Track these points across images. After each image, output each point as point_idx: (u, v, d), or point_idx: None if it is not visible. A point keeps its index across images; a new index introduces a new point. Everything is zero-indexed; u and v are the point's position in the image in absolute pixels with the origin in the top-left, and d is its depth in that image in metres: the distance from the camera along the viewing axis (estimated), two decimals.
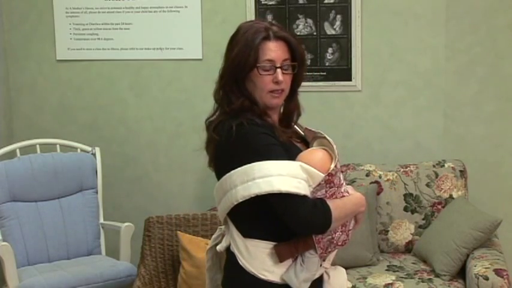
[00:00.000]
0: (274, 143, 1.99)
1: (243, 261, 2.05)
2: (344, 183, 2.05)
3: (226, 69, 2.07)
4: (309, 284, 2.03)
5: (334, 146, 2.04)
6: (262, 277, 2.03)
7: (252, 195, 1.94)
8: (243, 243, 2.06)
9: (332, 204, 1.97)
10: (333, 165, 1.99)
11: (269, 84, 2.03)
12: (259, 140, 1.99)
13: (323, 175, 1.96)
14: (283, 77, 2.03)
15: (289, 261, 2.03)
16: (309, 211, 1.93)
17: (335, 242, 2.02)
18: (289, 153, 2.01)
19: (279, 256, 2.01)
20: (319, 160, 2.00)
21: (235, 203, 1.99)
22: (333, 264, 2.18)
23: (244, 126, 1.99)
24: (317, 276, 2.07)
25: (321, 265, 2.08)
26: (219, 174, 2.05)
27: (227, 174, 2.00)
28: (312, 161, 1.99)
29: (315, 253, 2.01)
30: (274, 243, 2.02)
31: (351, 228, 2.06)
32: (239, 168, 1.97)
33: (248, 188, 1.95)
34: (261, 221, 2.03)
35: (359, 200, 2.07)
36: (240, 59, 2.03)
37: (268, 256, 2.03)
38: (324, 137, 2.09)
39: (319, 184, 1.97)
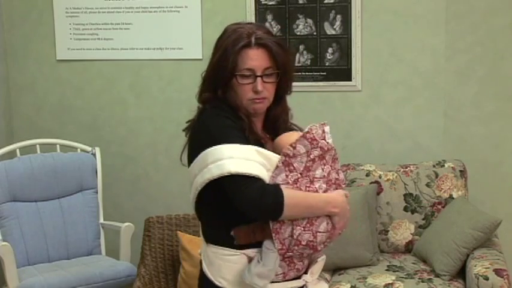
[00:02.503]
0: (232, 126, 1.97)
1: (205, 267, 2.07)
2: (322, 181, 1.97)
3: (207, 75, 2.07)
4: (264, 282, 1.97)
5: (301, 134, 1.98)
6: (218, 284, 2.03)
7: (207, 181, 1.93)
8: (205, 249, 2.07)
9: (289, 191, 1.90)
10: (290, 149, 1.94)
11: (249, 92, 2.00)
12: (216, 122, 1.99)
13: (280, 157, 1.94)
14: (264, 86, 2.00)
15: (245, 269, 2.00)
16: (258, 191, 1.89)
17: (296, 238, 1.93)
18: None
19: (236, 237, 1.99)
20: (292, 140, 1.97)
21: (197, 193, 1.99)
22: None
23: (206, 110, 2.03)
24: (277, 279, 1.99)
25: (301, 270, 2.02)
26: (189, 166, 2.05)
27: (191, 165, 2.00)
28: (285, 141, 1.98)
29: (274, 248, 1.95)
30: (231, 250, 2.00)
31: (320, 230, 1.95)
32: (198, 156, 1.97)
33: (203, 175, 1.95)
34: (218, 227, 2.02)
35: (330, 199, 1.97)
36: (219, 67, 2.01)
37: (223, 263, 2.02)
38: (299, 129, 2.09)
39: (277, 167, 1.93)
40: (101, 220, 3.93)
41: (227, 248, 2.01)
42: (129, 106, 4.28)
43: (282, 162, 1.94)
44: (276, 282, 2.01)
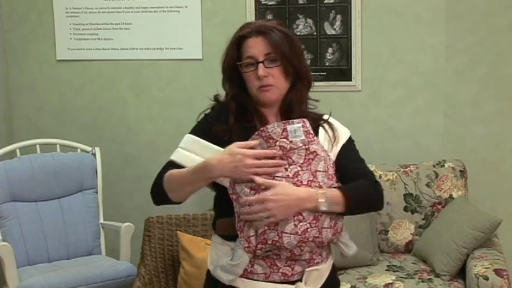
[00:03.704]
0: (204, 126, 2.09)
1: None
2: (285, 181, 1.93)
3: (221, 69, 2.13)
4: (228, 277, 2.00)
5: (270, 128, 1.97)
6: (210, 269, 2.10)
7: None
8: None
9: (170, 172, 2.02)
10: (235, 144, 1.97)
11: (254, 81, 2.03)
12: (200, 118, 2.15)
13: (221, 149, 1.99)
14: (267, 71, 2.00)
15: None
16: (153, 182, 2.07)
17: (260, 236, 1.91)
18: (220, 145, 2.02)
19: (217, 227, 2.08)
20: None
21: None
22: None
23: (210, 107, 2.15)
24: (258, 277, 1.99)
25: (289, 276, 1.98)
26: None
27: None
28: None
29: (241, 245, 1.96)
30: (220, 239, 2.06)
31: (286, 231, 1.91)
32: None
33: None
34: (216, 215, 2.12)
35: (202, 166, 1.95)
36: (223, 58, 2.09)
37: (214, 251, 2.08)
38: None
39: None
40: (101, 220, 3.92)
41: (219, 237, 2.07)
42: (129, 106, 4.28)
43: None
44: (257, 280, 2.00)
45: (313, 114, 2.14)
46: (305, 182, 1.95)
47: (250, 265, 1.99)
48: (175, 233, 3.61)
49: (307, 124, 1.99)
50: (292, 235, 1.91)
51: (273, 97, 2.05)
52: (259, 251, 1.94)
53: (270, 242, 1.92)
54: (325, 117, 2.15)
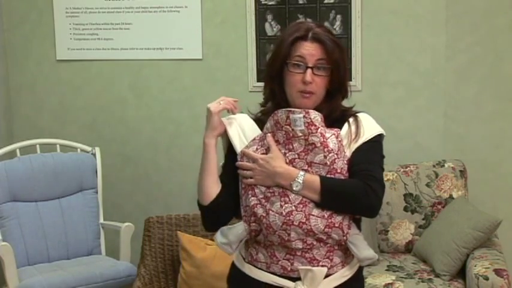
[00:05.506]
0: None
1: None
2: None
3: (266, 66, 2.16)
4: (221, 240, 2.08)
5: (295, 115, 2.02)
6: None
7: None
8: None
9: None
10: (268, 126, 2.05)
11: (298, 83, 2.03)
12: None
13: (259, 132, 2.08)
14: (313, 78, 2.01)
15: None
16: None
17: (251, 208, 2.00)
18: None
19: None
20: None
21: None
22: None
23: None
24: (261, 266, 2.05)
25: (288, 270, 2.00)
26: None
27: None
28: None
29: (241, 213, 2.07)
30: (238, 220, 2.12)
31: (273, 209, 1.97)
32: None
33: None
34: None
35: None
36: (273, 56, 2.10)
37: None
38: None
39: (254, 139, 2.08)
40: (101, 220, 3.92)
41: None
42: (129, 106, 4.28)
43: (259, 137, 2.08)
44: (260, 269, 2.05)
45: (345, 108, 2.14)
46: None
47: (255, 252, 2.06)
48: (175, 233, 3.60)
49: (312, 115, 2.00)
50: (277, 214, 1.97)
51: (309, 104, 2.05)
52: (252, 224, 2.01)
53: (258, 215, 1.99)
54: (360, 114, 2.12)
